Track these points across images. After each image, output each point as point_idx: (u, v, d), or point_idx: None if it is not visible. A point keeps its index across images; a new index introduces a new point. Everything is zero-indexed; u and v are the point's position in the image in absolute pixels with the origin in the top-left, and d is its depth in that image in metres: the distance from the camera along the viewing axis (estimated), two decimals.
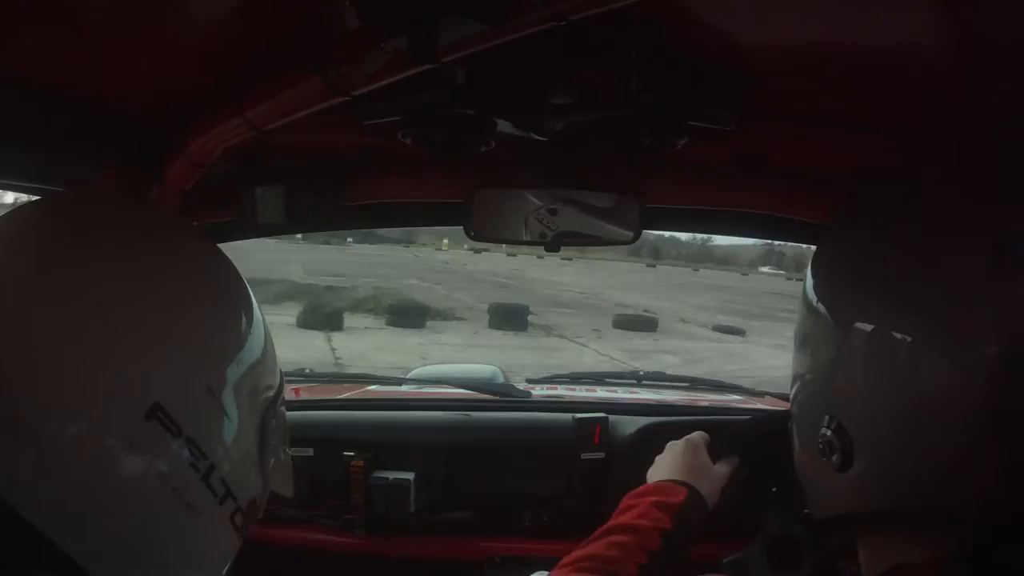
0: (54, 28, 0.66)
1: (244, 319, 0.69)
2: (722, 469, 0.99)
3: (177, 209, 0.97)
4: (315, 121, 0.79)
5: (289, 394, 1.97)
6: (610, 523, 0.87)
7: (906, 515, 0.55)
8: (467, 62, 0.76)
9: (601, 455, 1.48)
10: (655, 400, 1.83)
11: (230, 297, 0.69)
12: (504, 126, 0.94)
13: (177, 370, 0.60)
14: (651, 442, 1.49)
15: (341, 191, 1.16)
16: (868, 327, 0.56)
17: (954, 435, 0.51)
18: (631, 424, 1.51)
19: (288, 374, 2.05)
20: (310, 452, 1.54)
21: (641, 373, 2.09)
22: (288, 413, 0.68)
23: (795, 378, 0.66)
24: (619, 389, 1.97)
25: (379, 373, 2.35)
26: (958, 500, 0.51)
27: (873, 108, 0.85)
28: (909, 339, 0.53)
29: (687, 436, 1.03)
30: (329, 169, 1.14)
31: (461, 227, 1.18)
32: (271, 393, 0.70)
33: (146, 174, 0.91)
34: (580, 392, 1.94)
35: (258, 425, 0.67)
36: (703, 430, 1.05)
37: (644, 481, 0.96)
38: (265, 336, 0.71)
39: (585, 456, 1.48)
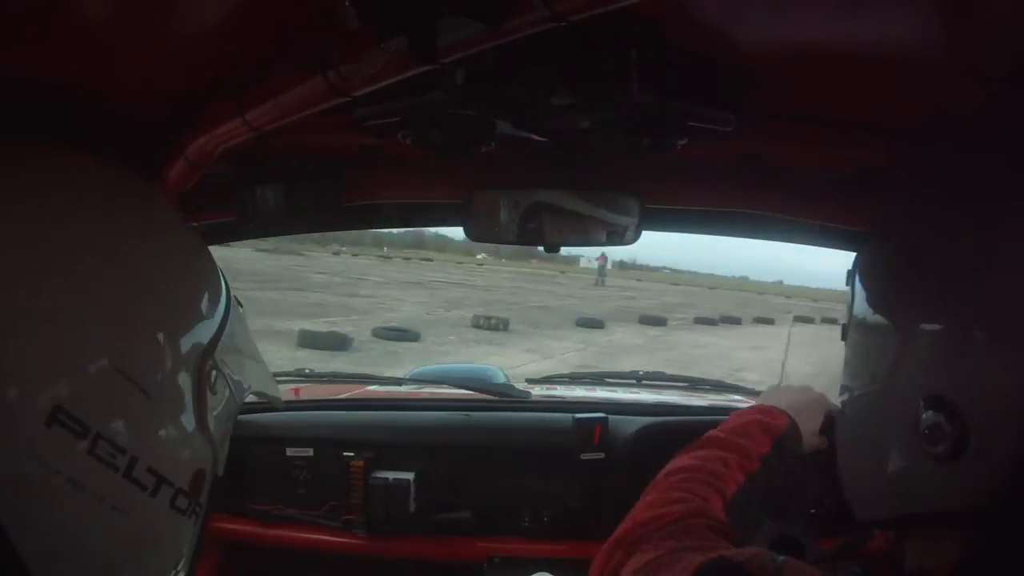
0: (54, 28, 0.66)
1: (145, 265, 0.61)
2: (819, 426, 0.94)
3: (177, 209, 0.97)
4: (315, 121, 0.79)
5: (289, 394, 1.99)
6: (714, 433, 0.87)
7: (944, 517, 0.53)
8: (467, 62, 0.76)
9: (601, 455, 1.48)
10: (655, 400, 1.83)
11: (122, 247, 0.61)
12: (504, 126, 0.94)
13: (77, 361, 0.54)
14: (651, 442, 1.50)
15: (341, 191, 1.16)
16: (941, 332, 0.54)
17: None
18: (631, 424, 1.51)
19: (288, 374, 2.06)
20: (310, 452, 1.54)
21: (641, 373, 2.09)
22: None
23: (862, 374, 0.63)
24: (619, 389, 1.97)
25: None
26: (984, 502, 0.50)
27: (873, 108, 0.85)
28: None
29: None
30: (329, 169, 1.14)
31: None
32: (203, 341, 0.63)
33: (146, 174, 0.90)
34: (580, 392, 1.94)
35: (193, 388, 0.61)
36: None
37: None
38: (185, 274, 0.64)
39: (585, 456, 1.48)
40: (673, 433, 1.52)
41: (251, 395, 0.74)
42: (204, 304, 0.67)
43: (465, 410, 1.64)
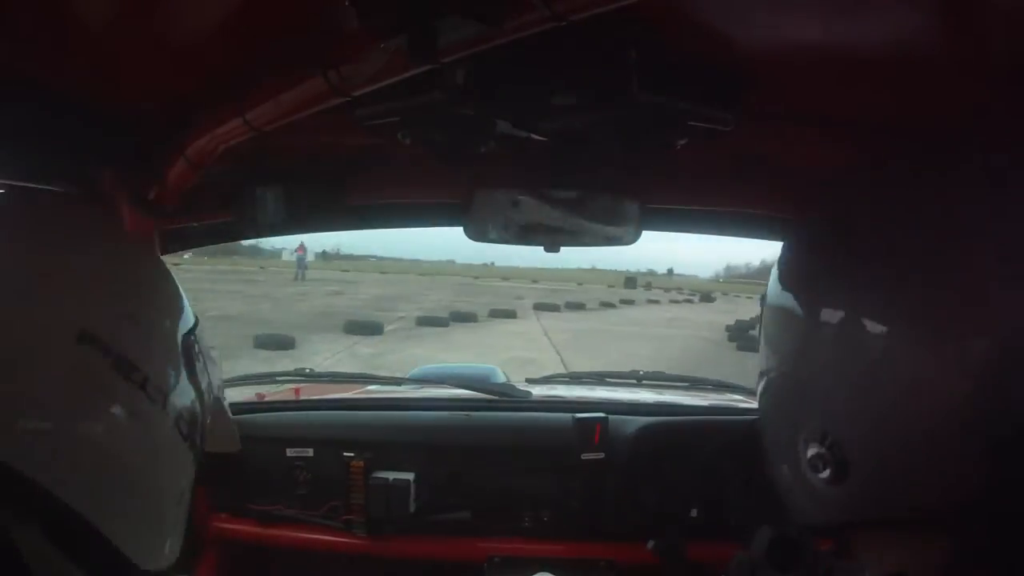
0: (54, 28, 0.66)
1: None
2: None
3: (177, 209, 0.97)
4: (315, 121, 0.79)
5: (289, 394, 1.98)
6: None
7: (901, 520, 0.55)
8: (467, 62, 0.76)
9: (601, 455, 1.48)
10: (655, 400, 1.83)
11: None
12: (504, 126, 0.94)
13: (98, 299, 0.62)
14: (651, 442, 1.50)
15: (341, 191, 1.16)
16: (850, 321, 0.55)
17: (944, 435, 0.51)
18: (631, 424, 1.51)
19: (288, 374, 2.06)
20: (310, 452, 1.54)
21: (641, 373, 2.09)
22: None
23: (767, 390, 0.64)
24: (619, 389, 1.97)
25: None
26: (951, 502, 0.51)
27: (873, 108, 0.85)
28: (887, 332, 0.53)
29: None
30: (329, 169, 1.14)
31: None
32: (189, 325, 0.73)
33: (146, 174, 0.91)
34: (580, 392, 1.94)
35: (182, 355, 0.70)
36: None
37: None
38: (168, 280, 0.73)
39: (585, 456, 1.48)
40: (673, 433, 1.52)
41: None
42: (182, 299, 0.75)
43: (465, 410, 1.64)
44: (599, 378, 2.09)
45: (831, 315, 0.56)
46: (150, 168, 0.91)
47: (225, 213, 1.17)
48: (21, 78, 0.74)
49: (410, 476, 1.49)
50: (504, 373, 2.17)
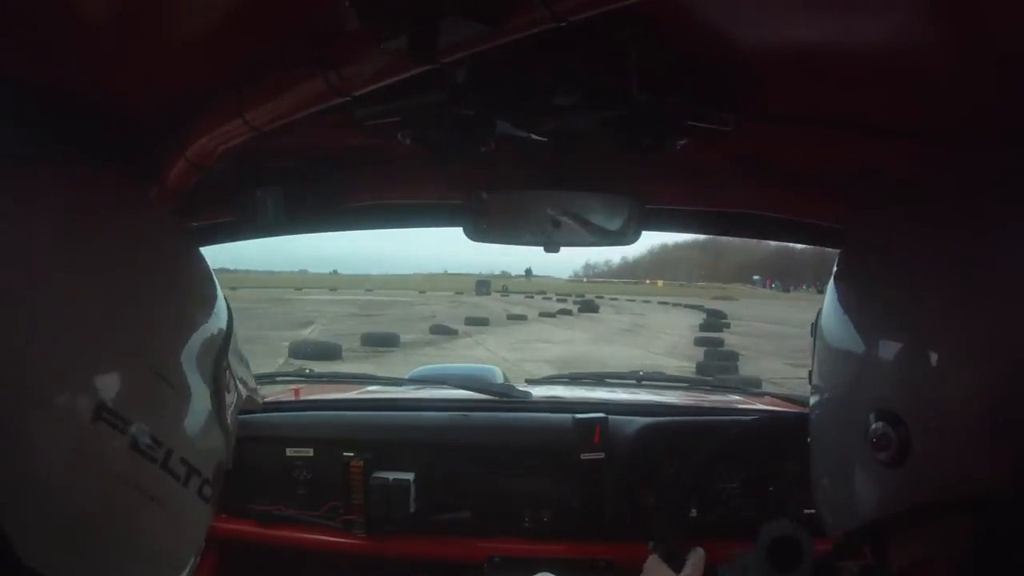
0: (54, 28, 0.66)
1: (173, 273, 0.66)
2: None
3: (177, 209, 0.97)
4: (315, 121, 0.79)
5: (289, 394, 1.98)
6: None
7: (940, 507, 0.55)
8: (467, 62, 0.76)
9: (601, 455, 1.48)
10: (655, 400, 1.83)
11: (156, 260, 0.65)
12: (504, 126, 0.94)
13: (118, 361, 0.57)
14: (651, 442, 1.50)
15: (341, 191, 1.16)
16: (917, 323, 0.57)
17: (991, 416, 0.52)
18: (631, 424, 1.51)
19: (288, 374, 2.06)
20: (310, 452, 1.54)
21: (641, 373, 2.10)
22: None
23: (828, 376, 0.66)
24: (619, 389, 1.97)
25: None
26: (993, 481, 0.52)
27: (873, 108, 0.85)
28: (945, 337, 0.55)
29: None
30: (329, 169, 1.14)
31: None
32: (220, 342, 0.68)
33: (146, 174, 0.91)
34: (580, 392, 1.94)
35: (212, 385, 0.65)
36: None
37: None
38: (202, 276, 0.68)
39: (585, 456, 1.48)
40: (673, 433, 1.52)
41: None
42: (216, 306, 0.70)
43: (465, 410, 1.64)
44: (599, 378, 2.09)
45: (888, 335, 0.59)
46: (150, 168, 0.90)
47: (225, 213, 1.17)
48: (21, 78, 0.74)
49: (410, 476, 1.49)
50: (503, 373, 2.17)
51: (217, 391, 0.66)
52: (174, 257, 0.70)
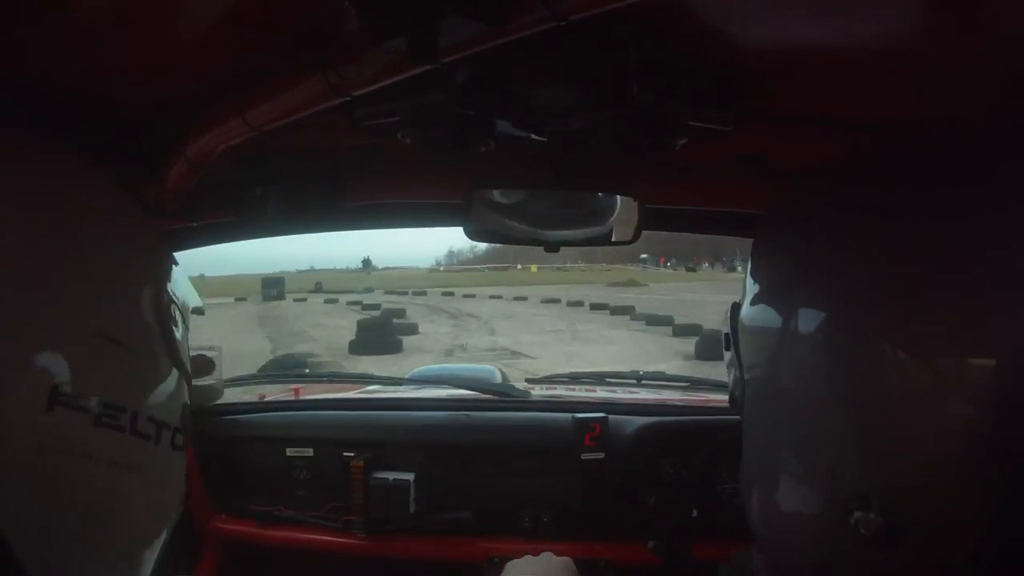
0: (54, 28, 0.66)
1: (107, 230, 0.63)
2: None
3: (177, 209, 0.97)
4: (315, 121, 0.79)
5: (289, 394, 1.98)
6: None
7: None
8: (467, 62, 0.76)
9: (601, 455, 1.48)
10: (655, 400, 1.83)
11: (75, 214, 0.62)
12: (504, 126, 0.94)
13: (63, 335, 0.54)
14: (651, 442, 1.50)
15: (341, 191, 1.16)
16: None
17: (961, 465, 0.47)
18: (631, 424, 1.51)
19: (288, 374, 2.06)
20: (310, 452, 1.54)
21: (641, 373, 2.09)
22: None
23: (769, 473, 0.58)
24: (619, 389, 1.97)
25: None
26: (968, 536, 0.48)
27: (873, 108, 0.85)
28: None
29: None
30: (329, 169, 1.14)
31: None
32: (158, 280, 0.66)
33: (146, 174, 0.90)
34: (580, 392, 1.94)
35: (158, 326, 0.63)
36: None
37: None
38: (128, 223, 0.66)
39: (585, 456, 1.48)
40: (673, 433, 1.52)
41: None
42: (152, 250, 0.69)
43: (465, 410, 1.64)
44: (599, 378, 2.09)
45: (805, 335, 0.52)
46: (150, 168, 0.90)
47: (225, 213, 1.17)
48: (20, 77, 0.74)
49: (410, 476, 1.49)
50: (503, 373, 2.17)
51: (163, 330, 0.64)
52: (106, 215, 0.67)
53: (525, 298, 32.28)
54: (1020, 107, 0.73)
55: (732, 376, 0.66)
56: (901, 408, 0.49)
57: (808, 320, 0.53)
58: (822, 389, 0.52)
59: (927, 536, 0.49)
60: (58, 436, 0.53)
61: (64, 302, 0.56)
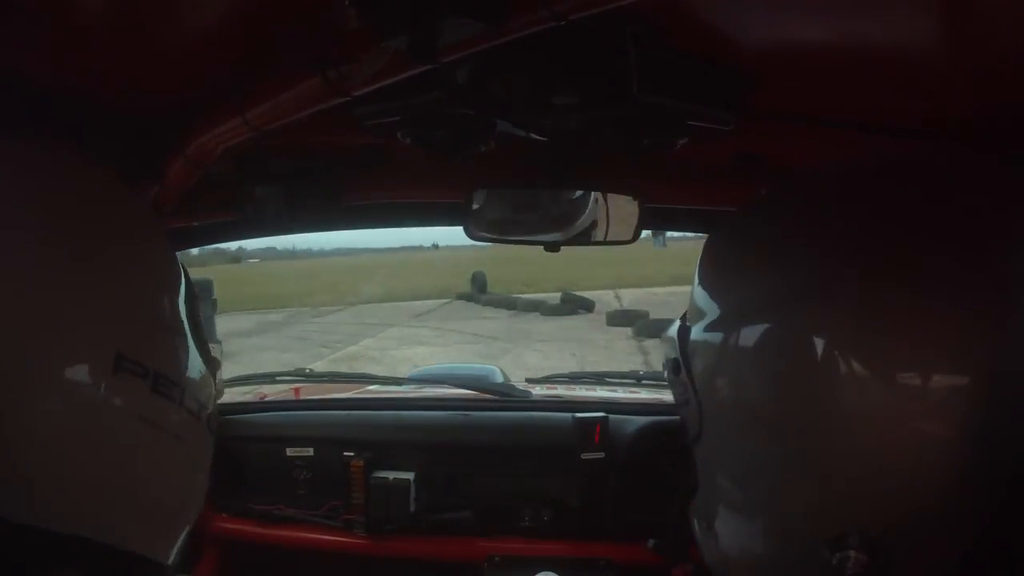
0: (54, 28, 0.66)
1: (152, 242, 0.72)
2: None
3: (177, 209, 0.97)
4: (315, 121, 0.79)
5: (289, 394, 1.98)
6: None
7: None
8: (467, 62, 0.76)
9: (601, 455, 1.48)
10: (655, 400, 1.83)
11: (142, 226, 0.72)
12: (504, 126, 0.94)
13: (124, 311, 0.61)
14: (651, 442, 1.50)
15: (341, 191, 1.16)
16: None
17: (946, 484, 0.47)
18: (631, 424, 1.51)
19: (288, 374, 2.06)
20: (310, 452, 1.54)
21: (641, 373, 2.09)
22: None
23: (752, 509, 0.56)
24: (619, 389, 1.97)
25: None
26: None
27: (873, 108, 0.85)
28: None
29: None
30: (329, 169, 1.14)
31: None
32: (186, 285, 0.73)
33: (146, 174, 0.91)
34: (580, 392, 1.94)
35: (191, 323, 0.70)
36: None
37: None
38: (164, 244, 0.74)
39: (585, 456, 1.48)
40: (673, 432, 1.52)
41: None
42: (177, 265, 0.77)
43: (465, 410, 1.64)
44: (599, 378, 2.09)
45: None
46: (150, 168, 0.91)
47: (225, 213, 1.17)
48: (22, 77, 0.74)
49: (410, 476, 1.49)
50: (503, 373, 2.17)
51: (195, 327, 0.71)
52: (150, 230, 0.76)
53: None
54: (1020, 107, 0.73)
55: (683, 403, 0.63)
56: (870, 431, 0.48)
57: (773, 340, 0.52)
58: (796, 415, 0.51)
59: (915, 564, 0.49)
60: (121, 397, 0.59)
61: (128, 291, 0.64)
